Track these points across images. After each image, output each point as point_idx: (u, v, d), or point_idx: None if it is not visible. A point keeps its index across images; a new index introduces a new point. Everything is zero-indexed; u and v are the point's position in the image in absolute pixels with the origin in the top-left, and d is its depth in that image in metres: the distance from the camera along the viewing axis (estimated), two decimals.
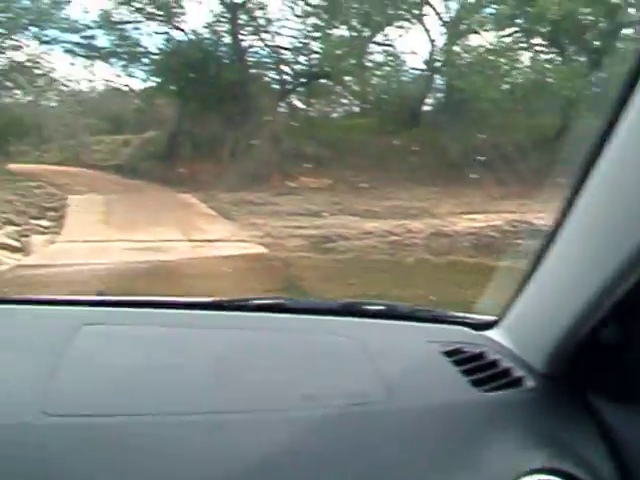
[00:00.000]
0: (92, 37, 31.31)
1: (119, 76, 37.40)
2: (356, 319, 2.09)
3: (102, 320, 1.98)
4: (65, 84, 42.07)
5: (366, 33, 29.55)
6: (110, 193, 23.73)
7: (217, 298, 2.23)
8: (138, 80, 35.92)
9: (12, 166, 29.00)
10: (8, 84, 37.79)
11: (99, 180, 28.04)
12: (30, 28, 31.29)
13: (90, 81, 46.44)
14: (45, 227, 18.22)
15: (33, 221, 18.80)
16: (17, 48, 32.53)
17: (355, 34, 29.23)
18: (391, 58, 30.55)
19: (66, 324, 1.90)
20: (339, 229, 17.90)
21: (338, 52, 28.07)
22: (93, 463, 1.36)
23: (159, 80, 31.43)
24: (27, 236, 16.76)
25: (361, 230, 17.76)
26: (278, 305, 2.13)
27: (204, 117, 29.13)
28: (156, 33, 31.91)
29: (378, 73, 31.15)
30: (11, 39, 31.96)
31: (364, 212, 20.95)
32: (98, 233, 17.50)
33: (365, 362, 1.77)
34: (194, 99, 29.71)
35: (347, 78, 31.58)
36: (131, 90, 37.51)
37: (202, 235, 17.46)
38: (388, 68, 30.74)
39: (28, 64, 33.52)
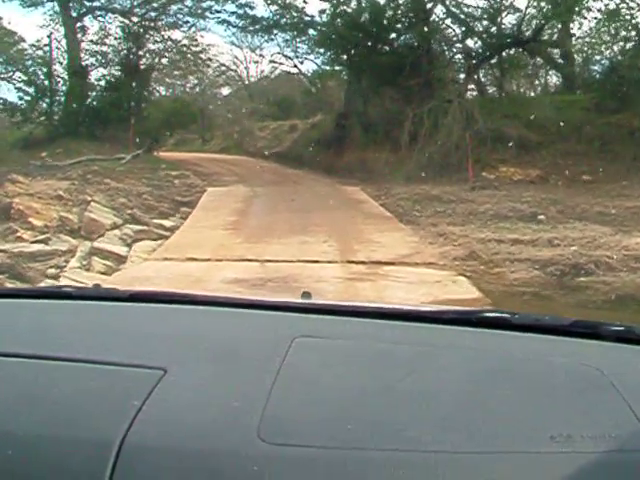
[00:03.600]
0: (250, 5, 26.75)
1: (283, 54, 30.87)
2: (592, 341, 1.70)
3: (317, 331, 1.70)
4: (230, 68, 39.51)
5: None
6: (262, 185, 20.42)
7: (437, 308, 2.13)
8: (304, 55, 30.93)
9: (162, 154, 26.76)
10: (175, 72, 37.23)
11: (255, 169, 25.36)
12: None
13: (255, 63, 40.55)
14: (166, 228, 14.88)
15: (156, 220, 15.70)
16: (173, 26, 29.28)
17: None
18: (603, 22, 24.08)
19: (277, 334, 1.67)
20: (583, 246, 10.92)
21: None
22: None
23: (327, 53, 27.42)
24: (140, 240, 13.76)
25: (623, 249, 10.51)
26: (502, 320, 1.80)
27: (378, 94, 24.10)
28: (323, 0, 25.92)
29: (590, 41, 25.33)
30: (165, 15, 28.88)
31: (596, 216, 14.47)
32: (217, 243, 12.25)
33: (613, 396, 1.39)
34: (366, 73, 24.84)
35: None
36: (299, 71, 35.24)
37: (370, 251, 11.36)
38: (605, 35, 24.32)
39: (187, 47, 31.30)
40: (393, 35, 24.67)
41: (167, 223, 15.33)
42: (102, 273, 11.22)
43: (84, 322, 1.83)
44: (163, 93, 40.05)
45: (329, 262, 10.28)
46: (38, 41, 28.24)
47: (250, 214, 15.37)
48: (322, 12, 25.49)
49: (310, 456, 1.21)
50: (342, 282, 9.08)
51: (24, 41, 30.26)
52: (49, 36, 27.97)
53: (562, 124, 20.59)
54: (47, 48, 28.16)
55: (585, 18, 23.47)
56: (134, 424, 1.25)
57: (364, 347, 1.63)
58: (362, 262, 10.34)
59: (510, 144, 19.97)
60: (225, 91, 44.71)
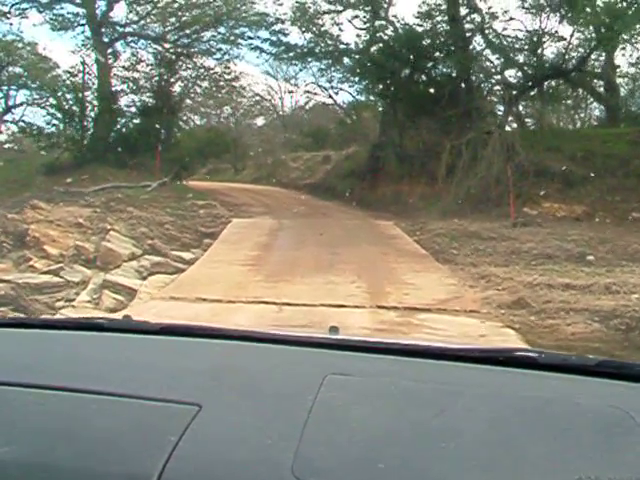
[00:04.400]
0: (283, 32, 25.92)
1: (318, 84, 29.99)
2: (619, 382, 1.69)
3: (347, 369, 1.71)
4: (265, 98, 39.05)
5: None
6: (290, 217, 19.40)
7: (464, 346, 2.04)
8: (339, 83, 29.67)
9: (192, 183, 26.08)
10: (210, 102, 37.51)
11: (285, 200, 24.41)
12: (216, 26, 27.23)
13: (290, 92, 39.76)
14: (185, 261, 13.84)
15: (176, 252, 14.69)
16: (206, 53, 28.53)
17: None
18: None
19: (308, 371, 1.70)
20: None
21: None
22: None
23: (362, 82, 26.42)
24: (155, 273, 12.85)
25: None
26: (529, 360, 1.80)
27: (414, 125, 22.80)
28: (358, 28, 25.26)
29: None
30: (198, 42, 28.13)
31: None
32: (233, 281, 10.96)
33: (639, 438, 1.40)
34: (402, 103, 23.80)
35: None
36: (334, 102, 34.90)
37: (403, 294, 10.00)
38: None
39: (220, 75, 30.37)
40: (430, 64, 23.64)
41: (187, 255, 14.33)
42: (110, 310, 10.16)
43: (117, 355, 1.82)
44: (198, 122, 39.62)
45: (356, 307, 8.91)
46: (72, 67, 27.44)
47: (274, 248, 14.11)
48: (358, 37, 24.45)
49: None
50: (369, 333, 7.72)
51: (58, 67, 29.76)
52: (83, 62, 27.17)
53: (609, 158, 19.07)
54: (80, 74, 27.43)
55: (634, 44, 22.11)
56: (171, 460, 1.26)
57: (393, 385, 1.62)
58: (394, 308, 8.97)
59: (552, 182, 18.52)
60: (260, 122, 44.17)
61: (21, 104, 31.15)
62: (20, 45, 30.02)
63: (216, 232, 16.60)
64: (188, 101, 33.94)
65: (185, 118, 35.48)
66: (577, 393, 1.61)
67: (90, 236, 15.41)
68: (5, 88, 31.45)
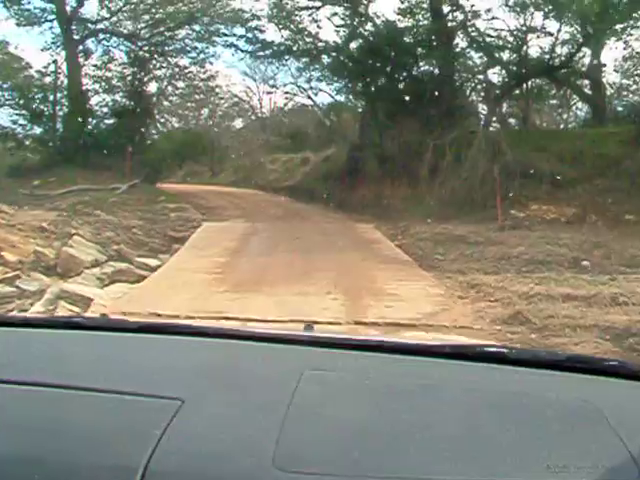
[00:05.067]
0: (259, 29, 25.16)
1: (297, 85, 28.98)
2: (586, 376, 1.74)
3: (324, 365, 1.74)
4: (242, 99, 38.01)
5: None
6: (265, 220, 18.40)
7: (437, 343, 2.03)
8: (317, 81, 28.64)
9: (166, 185, 25.25)
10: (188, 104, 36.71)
11: (261, 203, 23.61)
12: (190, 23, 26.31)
13: (269, 94, 38.71)
14: (150, 268, 12.74)
15: (141, 259, 13.64)
16: (181, 52, 27.58)
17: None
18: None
19: (287, 367, 1.75)
20: None
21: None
22: None
23: (341, 80, 25.55)
24: (117, 281, 11.80)
25: None
26: (500, 355, 1.83)
27: (395, 125, 21.41)
28: (337, 25, 24.18)
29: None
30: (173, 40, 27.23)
31: None
32: (195, 292, 9.70)
33: (606, 429, 1.44)
34: (382, 101, 22.78)
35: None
36: (313, 103, 33.83)
37: (384, 307, 8.83)
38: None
39: (194, 74, 29.48)
40: (412, 61, 22.57)
41: (153, 262, 13.22)
42: None
43: (98, 352, 1.84)
44: (176, 125, 38.49)
45: (330, 323, 7.56)
46: (45, 67, 26.27)
47: (244, 255, 12.90)
48: (337, 34, 23.47)
49: None
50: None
51: (31, 67, 28.22)
52: (54, 62, 25.87)
53: (598, 158, 18.01)
54: (53, 74, 26.13)
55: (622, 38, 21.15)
56: (155, 452, 1.27)
57: (368, 380, 1.65)
58: (374, 324, 7.70)
59: (540, 183, 17.43)
60: (238, 124, 43.30)
61: None
62: None
63: (186, 236, 15.71)
64: (166, 103, 33.15)
65: (162, 120, 34.90)
66: (547, 387, 1.63)
67: (53, 241, 14.47)
68: None
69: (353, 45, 23.53)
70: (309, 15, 24.37)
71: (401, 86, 22.47)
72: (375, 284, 10.20)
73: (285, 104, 39.96)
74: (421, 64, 22.79)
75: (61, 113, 25.32)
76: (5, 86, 27.25)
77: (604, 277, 10.32)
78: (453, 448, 1.33)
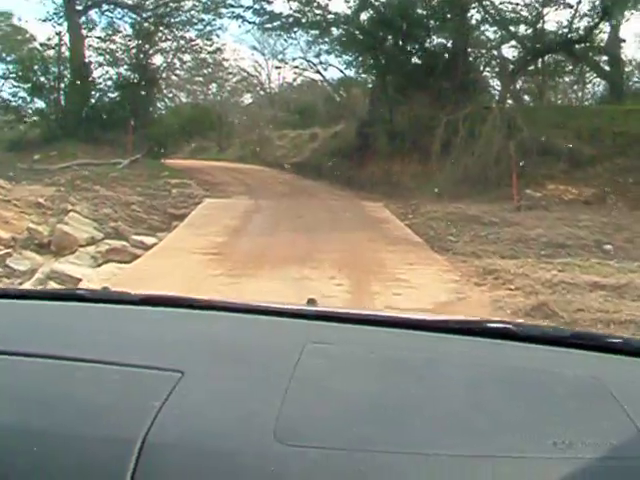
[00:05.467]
0: (267, 0, 23.92)
1: (306, 59, 28.23)
2: (593, 353, 1.71)
3: (327, 338, 1.71)
4: (251, 74, 37.46)
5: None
6: (270, 197, 17.69)
7: (442, 317, 1.97)
8: (326, 54, 27.07)
9: (171, 161, 24.52)
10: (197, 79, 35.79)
11: (267, 179, 22.94)
12: None
13: (278, 68, 37.73)
14: (146, 247, 12.05)
15: (138, 237, 13.03)
16: (187, 24, 26.77)
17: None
18: None
19: (290, 340, 1.69)
20: None
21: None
22: None
23: (351, 54, 24.46)
24: (110, 261, 11.17)
25: None
26: (507, 331, 1.78)
27: (406, 99, 20.59)
28: None
29: None
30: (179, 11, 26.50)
31: None
32: (187, 276, 8.87)
33: (613, 405, 1.40)
34: (393, 75, 22.12)
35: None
36: (323, 78, 32.65)
37: (393, 294, 7.93)
38: None
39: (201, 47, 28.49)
40: (424, 33, 21.66)
41: (149, 240, 12.57)
42: None
43: (99, 324, 1.82)
44: (184, 100, 37.69)
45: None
46: (48, 39, 25.42)
47: (244, 234, 12.10)
48: (347, 3, 22.35)
49: (323, 457, 1.22)
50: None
51: (35, 40, 27.39)
52: (58, 34, 24.98)
53: (619, 136, 17.11)
54: (56, 46, 25.30)
55: None
56: (155, 424, 1.26)
57: (372, 354, 1.63)
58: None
59: (558, 162, 16.53)
60: (247, 99, 42.65)
61: None
62: None
63: (187, 214, 14.93)
64: (174, 77, 32.15)
65: (171, 95, 34.09)
66: (553, 363, 1.62)
67: (49, 218, 14.00)
68: None
69: (363, 17, 22.64)
70: None
71: (413, 59, 21.75)
72: (383, 268, 9.36)
73: (294, 79, 39.36)
74: (434, 37, 21.96)
75: (63, 86, 24.41)
76: (9, 59, 26.61)
77: (633, 264, 9.46)
78: (458, 422, 1.31)
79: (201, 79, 35.86)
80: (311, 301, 2.16)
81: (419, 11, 21.52)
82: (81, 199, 15.44)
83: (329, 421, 1.30)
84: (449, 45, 21.41)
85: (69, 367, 1.46)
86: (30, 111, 24.28)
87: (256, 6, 23.76)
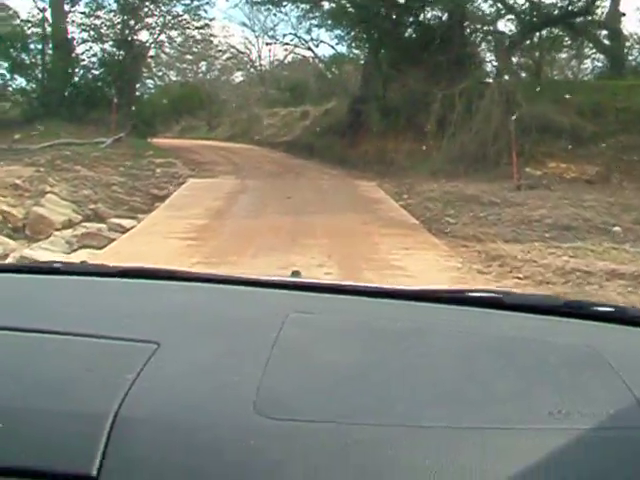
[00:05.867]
0: None
1: (296, 35, 27.44)
2: (585, 321, 1.66)
3: (311, 308, 1.63)
4: (241, 51, 36.74)
5: None
6: (257, 177, 16.93)
7: (429, 287, 1.91)
8: (319, 31, 27.43)
9: (158, 140, 23.86)
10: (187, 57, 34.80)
11: (257, 158, 22.33)
12: None
13: (268, 44, 36.91)
14: (124, 230, 11.48)
15: (116, 220, 12.44)
16: None
17: None
18: None
19: (271, 311, 1.62)
20: None
21: None
22: (312, 472, 1.13)
23: (343, 27, 23.47)
24: (84, 247, 10.50)
25: None
26: (496, 300, 1.73)
27: (400, 74, 19.56)
28: None
29: None
30: None
31: None
32: (160, 263, 7.28)
33: (609, 374, 1.37)
34: (387, 48, 21.38)
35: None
36: (314, 55, 30.98)
37: (389, 285, 6.56)
38: None
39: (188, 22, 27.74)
40: (419, 5, 20.72)
41: (128, 223, 11.95)
42: None
43: (74, 297, 1.75)
44: (174, 79, 36.95)
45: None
46: (32, 16, 24.44)
47: (227, 216, 11.33)
48: None
49: (305, 430, 1.18)
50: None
51: (18, 17, 26.31)
52: (42, 10, 24.00)
53: (622, 112, 16.29)
54: (40, 22, 24.28)
55: None
56: (127, 397, 1.19)
57: (357, 324, 1.59)
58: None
59: (559, 138, 15.72)
60: (238, 77, 42.25)
61: None
62: None
63: (170, 194, 14.20)
64: (163, 56, 31.24)
65: (160, 74, 33.05)
66: (546, 332, 1.57)
67: (26, 200, 13.40)
68: None
69: None
70: None
71: (407, 33, 21.00)
72: (377, 254, 8.59)
73: (285, 56, 38.66)
74: (428, 9, 21.07)
75: (45, 63, 23.55)
76: None
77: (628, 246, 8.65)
78: (448, 393, 1.26)
79: (190, 57, 34.93)
80: (295, 273, 2.14)
81: None
82: (60, 180, 14.85)
83: (313, 393, 1.25)
84: (444, 18, 20.51)
85: (37, 339, 1.40)
86: (11, 89, 23.50)
87: None
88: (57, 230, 11.64)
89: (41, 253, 9.58)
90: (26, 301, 1.67)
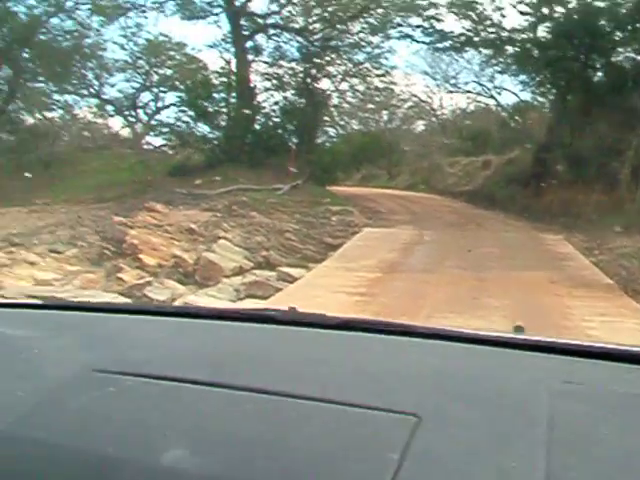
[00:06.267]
0: (436, 18, 22.95)
1: (479, 83, 27.24)
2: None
3: (576, 376, 1.43)
4: (422, 100, 39.15)
5: None
6: (436, 227, 16.32)
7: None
8: (501, 76, 27.15)
9: (336, 187, 24.04)
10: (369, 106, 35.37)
11: (436, 207, 21.95)
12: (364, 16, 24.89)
13: (450, 92, 36.53)
14: (293, 280, 10.97)
15: (286, 269, 12.04)
16: (354, 47, 26.08)
17: None
18: None
19: (532, 377, 1.42)
20: None
21: None
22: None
23: (528, 72, 22.84)
24: (250, 297, 10.12)
25: None
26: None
27: (589, 120, 18.86)
28: (523, 13, 21.43)
29: None
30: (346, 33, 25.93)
31: None
32: None
33: None
34: (575, 93, 20.61)
35: None
36: (497, 103, 32.07)
37: None
38: None
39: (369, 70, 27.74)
40: (610, 46, 19.75)
41: (297, 273, 11.60)
42: None
43: (299, 350, 1.64)
44: (355, 127, 37.41)
45: None
46: (223, 68, 25.56)
47: (401, 269, 10.67)
48: (522, 16, 20.97)
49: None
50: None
51: (207, 69, 27.67)
52: (228, 62, 25.08)
53: None
54: (225, 72, 25.35)
55: None
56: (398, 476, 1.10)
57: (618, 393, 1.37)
58: None
59: None
60: (419, 126, 41.99)
61: (168, 106, 30.00)
62: (168, 46, 29.51)
63: (345, 243, 13.92)
64: (345, 105, 31.88)
65: (342, 123, 33.62)
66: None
67: (199, 245, 13.58)
68: (155, 90, 31.17)
69: (541, 32, 21.17)
70: (491, 2, 22.02)
71: (597, 76, 20.08)
72: (570, 320, 7.57)
73: (467, 105, 38.27)
74: (620, 50, 19.98)
75: (227, 111, 24.40)
76: (181, 87, 26.94)
77: None
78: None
79: (372, 106, 35.43)
80: (518, 328, 1.90)
81: (604, 21, 19.51)
82: (235, 226, 14.97)
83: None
84: (639, 59, 19.34)
85: (276, 403, 1.25)
86: (194, 137, 24.20)
87: (425, 24, 22.93)
88: (226, 277, 11.50)
89: (205, 299, 9.49)
90: (247, 354, 1.54)
